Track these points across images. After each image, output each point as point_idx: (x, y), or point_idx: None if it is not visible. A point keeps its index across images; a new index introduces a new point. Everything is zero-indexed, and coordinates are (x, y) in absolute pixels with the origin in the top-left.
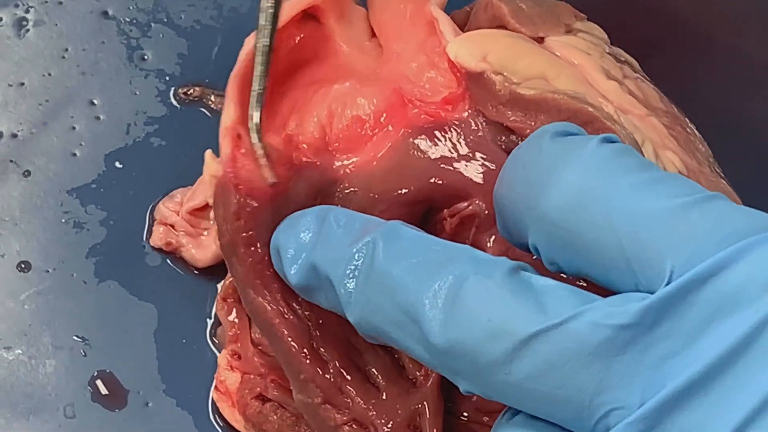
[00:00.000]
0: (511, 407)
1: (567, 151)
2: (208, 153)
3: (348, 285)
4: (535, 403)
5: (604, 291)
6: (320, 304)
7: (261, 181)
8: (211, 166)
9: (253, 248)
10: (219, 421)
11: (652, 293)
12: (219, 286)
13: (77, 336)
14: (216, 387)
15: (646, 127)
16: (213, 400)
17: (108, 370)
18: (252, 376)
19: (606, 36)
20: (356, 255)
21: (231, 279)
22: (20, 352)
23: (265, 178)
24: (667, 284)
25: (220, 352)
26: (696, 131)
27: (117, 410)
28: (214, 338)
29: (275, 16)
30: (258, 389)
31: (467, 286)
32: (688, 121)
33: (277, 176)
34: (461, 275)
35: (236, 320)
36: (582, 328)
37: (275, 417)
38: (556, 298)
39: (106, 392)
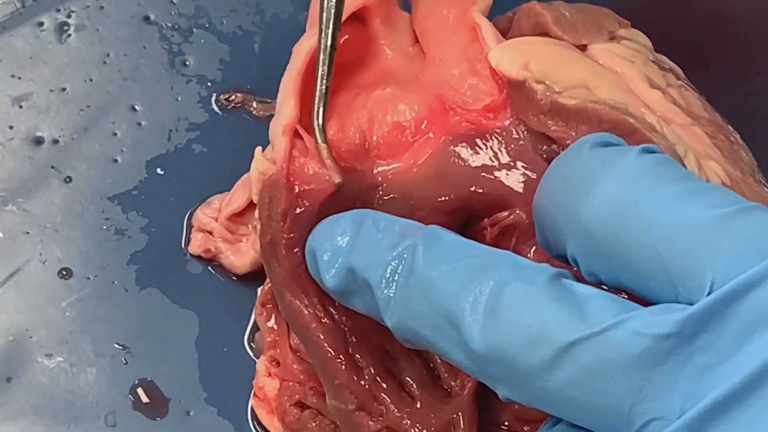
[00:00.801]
0: (552, 416)
1: (606, 162)
2: (258, 150)
3: (387, 289)
4: (575, 412)
5: (645, 302)
6: (357, 309)
7: (318, 183)
8: (261, 162)
9: (294, 251)
10: (258, 428)
11: (692, 304)
12: (259, 290)
13: (118, 344)
14: (254, 394)
15: (690, 137)
16: (252, 407)
17: (149, 379)
18: (291, 383)
19: (650, 43)
20: (396, 259)
21: (270, 285)
22: (61, 359)
23: (333, 178)
24: (708, 295)
25: (258, 358)
26: (740, 139)
27: (158, 419)
28: (252, 344)
29: (338, 15)
30: (297, 396)
31: (508, 291)
32: (731, 129)
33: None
34: (502, 281)
35: (275, 326)
36: (623, 337)
37: (314, 425)
38: (597, 306)
39: (147, 401)
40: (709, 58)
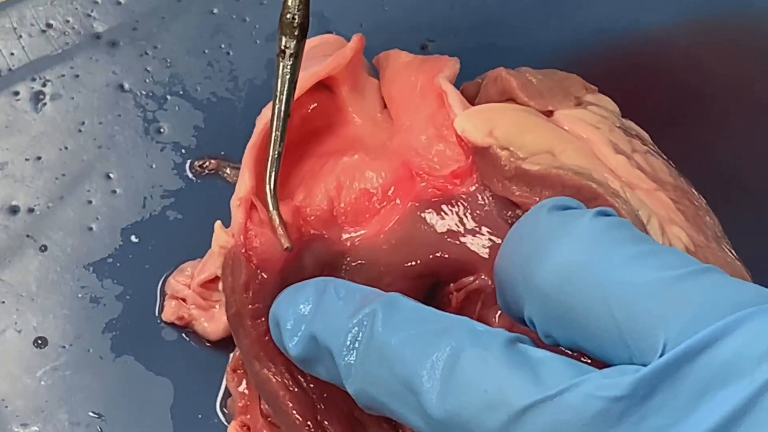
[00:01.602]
0: None
1: (562, 224)
2: (218, 224)
3: (348, 356)
4: None
5: (601, 364)
6: (320, 376)
7: (273, 252)
8: (221, 237)
9: (259, 320)
10: None
11: (646, 365)
12: (231, 356)
13: (93, 412)
14: None
15: (653, 202)
16: None
17: None
18: None
19: (617, 109)
20: (356, 326)
21: (239, 352)
22: (36, 429)
23: (281, 244)
24: (661, 356)
25: (229, 423)
26: (705, 204)
27: None
28: (224, 408)
29: (292, 83)
30: None
31: (464, 357)
32: (697, 194)
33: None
34: (458, 347)
35: (246, 391)
36: (577, 400)
37: None
38: (552, 369)
39: None
40: (677, 122)
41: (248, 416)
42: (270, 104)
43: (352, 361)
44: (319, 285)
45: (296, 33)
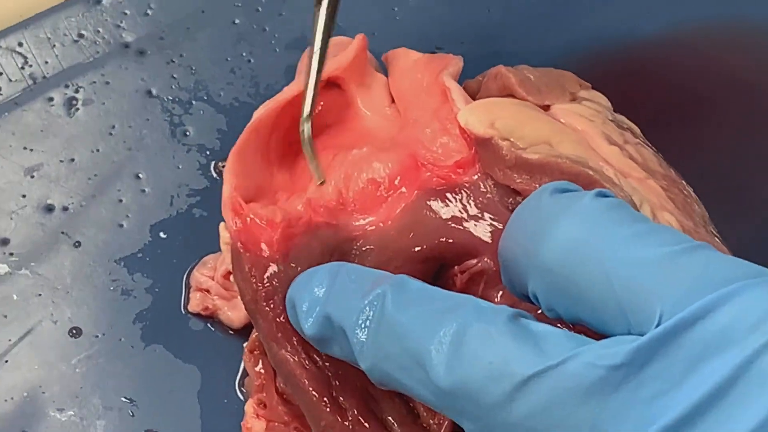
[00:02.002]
0: None
1: (564, 205)
2: (221, 225)
3: (360, 334)
4: None
5: (599, 335)
6: (335, 355)
7: (264, 239)
8: (224, 235)
9: (272, 304)
10: None
11: (643, 336)
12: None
13: (125, 397)
14: None
15: (645, 190)
16: None
17: (154, 430)
18: (276, 424)
19: (609, 104)
20: (367, 306)
21: (256, 334)
22: (72, 413)
23: (316, 179)
24: (657, 327)
25: (247, 401)
26: (692, 193)
27: None
28: (242, 388)
29: (328, 28)
30: None
31: (470, 332)
32: (685, 183)
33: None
34: (464, 322)
35: (262, 371)
36: (577, 369)
37: None
38: (553, 341)
39: None
40: (666, 120)
41: (264, 394)
42: (258, 110)
43: (365, 339)
44: (332, 269)
45: None
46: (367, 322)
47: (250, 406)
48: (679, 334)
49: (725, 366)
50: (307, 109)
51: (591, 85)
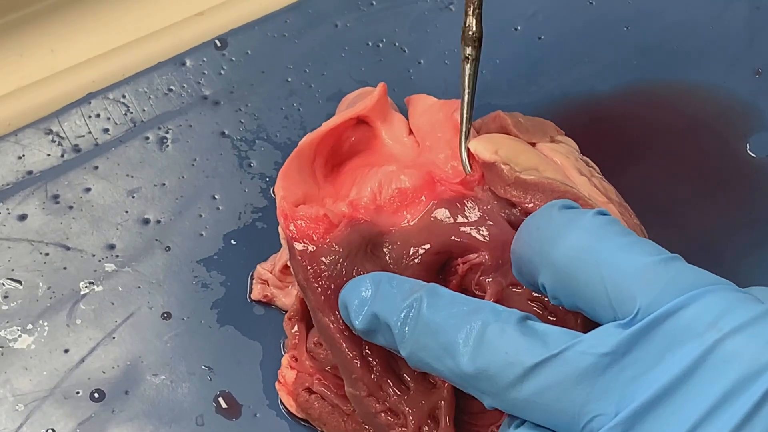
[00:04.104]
0: (517, 417)
1: (571, 219)
2: (280, 228)
3: (402, 328)
4: (539, 413)
5: (588, 328)
6: (379, 343)
7: (313, 231)
8: (281, 233)
9: (319, 281)
10: (281, 405)
11: (625, 323)
12: None
13: (204, 365)
14: (278, 380)
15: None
16: (276, 389)
17: (227, 390)
18: (304, 374)
19: (577, 147)
20: (407, 307)
21: (295, 306)
22: (164, 377)
23: (465, 171)
24: (634, 317)
25: (283, 356)
26: (636, 219)
27: (234, 420)
28: (284, 348)
29: (474, 79)
30: (307, 384)
31: (489, 329)
32: (632, 211)
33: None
34: (485, 322)
35: (297, 333)
36: (573, 356)
37: (317, 405)
38: (554, 336)
39: (226, 406)
40: (623, 163)
41: (297, 351)
42: (308, 136)
43: (405, 333)
44: (375, 277)
45: (475, 43)
46: (407, 320)
47: (285, 359)
48: (653, 328)
49: (689, 355)
50: (463, 134)
51: (564, 132)
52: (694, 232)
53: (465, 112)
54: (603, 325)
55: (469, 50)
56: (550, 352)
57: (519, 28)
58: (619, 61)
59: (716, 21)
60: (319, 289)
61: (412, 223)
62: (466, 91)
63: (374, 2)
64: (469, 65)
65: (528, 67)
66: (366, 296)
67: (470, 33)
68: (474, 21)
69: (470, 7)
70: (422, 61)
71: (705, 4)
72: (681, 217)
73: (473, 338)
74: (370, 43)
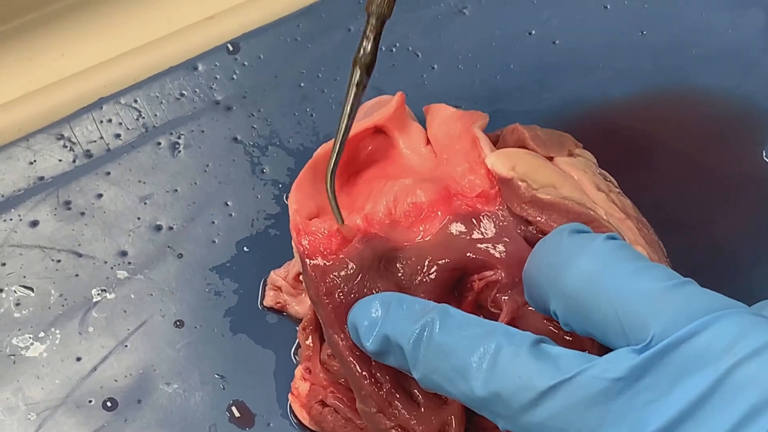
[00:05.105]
0: None
1: (581, 245)
2: (293, 240)
3: (415, 351)
4: None
5: (604, 350)
6: (390, 365)
7: (324, 247)
8: (294, 246)
9: (331, 298)
10: (291, 416)
11: (638, 350)
12: None
13: (217, 374)
14: (291, 392)
15: (624, 228)
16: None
17: (240, 399)
18: (317, 387)
19: (595, 160)
20: (418, 329)
21: (309, 315)
22: (177, 386)
23: (337, 221)
24: (648, 344)
25: (297, 367)
26: (654, 235)
27: (247, 429)
28: (296, 357)
29: (355, 108)
30: (320, 397)
31: (503, 353)
32: (650, 225)
33: (351, 229)
34: (498, 345)
35: (311, 344)
36: (586, 381)
37: (330, 418)
38: (567, 360)
39: (239, 415)
40: (636, 169)
41: (310, 363)
42: (324, 147)
43: (418, 355)
44: (384, 298)
45: (368, 69)
46: (420, 342)
47: (298, 371)
48: (666, 354)
49: (704, 381)
50: (331, 165)
51: (582, 145)
52: (710, 240)
53: (339, 142)
54: (616, 350)
55: (358, 75)
56: (563, 376)
57: (533, 32)
58: (634, 66)
59: (732, 26)
60: (331, 306)
61: (427, 239)
62: (345, 118)
63: None
64: (355, 92)
65: (542, 73)
66: (376, 317)
67: (363, 56)
68: (370, 46)
69: (369, 28)
70: (436, 66)
71: (721, 9)
72: (696, 224)
73: (487, 362)
74: (383, 48)
